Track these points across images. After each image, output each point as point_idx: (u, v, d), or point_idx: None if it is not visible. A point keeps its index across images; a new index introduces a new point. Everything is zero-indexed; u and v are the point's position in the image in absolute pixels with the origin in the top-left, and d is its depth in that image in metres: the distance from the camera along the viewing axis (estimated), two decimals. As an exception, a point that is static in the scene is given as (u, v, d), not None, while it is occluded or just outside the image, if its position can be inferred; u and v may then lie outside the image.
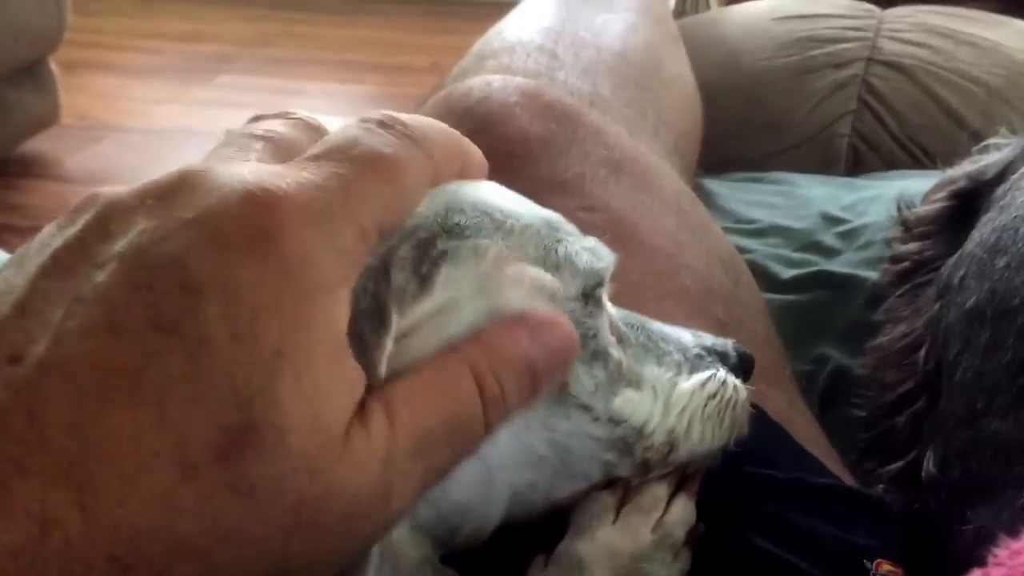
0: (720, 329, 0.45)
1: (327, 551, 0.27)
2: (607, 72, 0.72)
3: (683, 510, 0.40)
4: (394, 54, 3.18)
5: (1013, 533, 0.31)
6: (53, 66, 2.26)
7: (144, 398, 0.25)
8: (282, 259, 0.26)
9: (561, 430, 0.37)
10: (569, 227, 0.37)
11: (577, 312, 0.36)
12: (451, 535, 0.36)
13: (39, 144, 2.35)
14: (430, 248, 0.31)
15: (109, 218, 0.27)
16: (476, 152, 0.34)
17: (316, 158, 0.29)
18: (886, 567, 0.42)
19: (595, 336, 0.36)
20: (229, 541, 0.25)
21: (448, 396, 0.30)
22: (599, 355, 0.37)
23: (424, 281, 0.31)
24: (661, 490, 0.40)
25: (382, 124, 0.31)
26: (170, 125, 2.67)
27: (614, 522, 0.38)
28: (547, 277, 0.34)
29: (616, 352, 0.37)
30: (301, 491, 0.26)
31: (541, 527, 0.39)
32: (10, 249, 0.69)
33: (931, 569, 0.45)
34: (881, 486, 0.55)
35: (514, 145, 0.57)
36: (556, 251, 0.35)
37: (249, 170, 0.28)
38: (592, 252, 0.36)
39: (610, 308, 0.38)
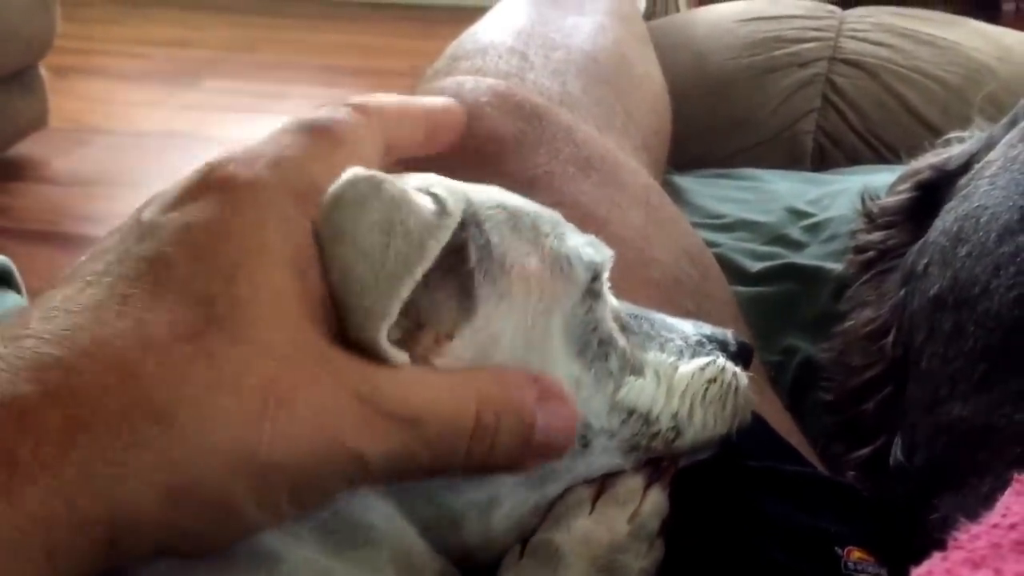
0: None
1: (299, 446, 0.28)
2: (577, 72, 0.73)
3: (657, 501, 0.40)
4: (374, 58, 3.24)
5: (974, 518, 0.31)
6: (43, 71, 2.29)
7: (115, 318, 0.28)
8: (235, 204, 0.30)
9: (579, 464, 0.38)
10: (565, 222, 0.38)
11: (591, 307, 0.37)
12: (458, 553, 0.36)
13: (28, 147, 2.36)
14: (464, 258, 0.33)
15: None
16: (444, 116, 0.38)
17: (283, 129, 0.33)
18: (857, 554, 0.43)
19: (596, 328, 0.37)
20: (193, 404, 0.27)
21: (446, 402, 0.31)
22: (607, 343, 0.37)
23: (465, 300, 0.33)
24: (636, 481, 0.40)
25: (347, 104, 0.35)
26: (157, 128, 2.68)
27: (590, 513, 0.38)
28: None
29: (621, 339, 0.38)
30: (266, 374, 0.28)
31: None
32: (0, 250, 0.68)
33: (901, 555, 0.45)
34: (851, 473, 0.55)
35: (485, 143, 0.57)
36: (561, 248, 0.36)
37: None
38: (592, 245, 0.38)
39: (612, 300, 0.39)
